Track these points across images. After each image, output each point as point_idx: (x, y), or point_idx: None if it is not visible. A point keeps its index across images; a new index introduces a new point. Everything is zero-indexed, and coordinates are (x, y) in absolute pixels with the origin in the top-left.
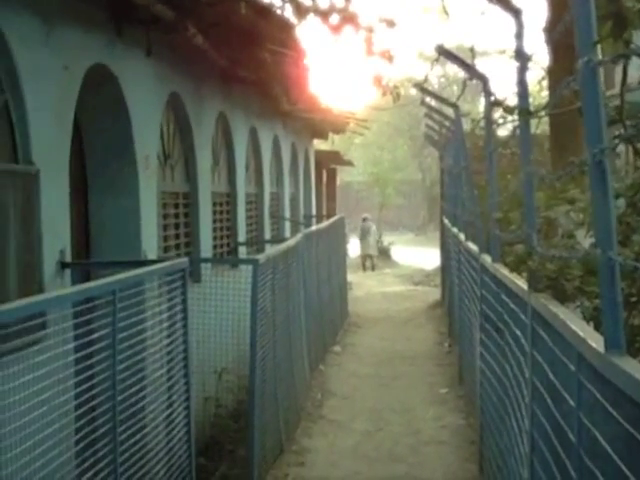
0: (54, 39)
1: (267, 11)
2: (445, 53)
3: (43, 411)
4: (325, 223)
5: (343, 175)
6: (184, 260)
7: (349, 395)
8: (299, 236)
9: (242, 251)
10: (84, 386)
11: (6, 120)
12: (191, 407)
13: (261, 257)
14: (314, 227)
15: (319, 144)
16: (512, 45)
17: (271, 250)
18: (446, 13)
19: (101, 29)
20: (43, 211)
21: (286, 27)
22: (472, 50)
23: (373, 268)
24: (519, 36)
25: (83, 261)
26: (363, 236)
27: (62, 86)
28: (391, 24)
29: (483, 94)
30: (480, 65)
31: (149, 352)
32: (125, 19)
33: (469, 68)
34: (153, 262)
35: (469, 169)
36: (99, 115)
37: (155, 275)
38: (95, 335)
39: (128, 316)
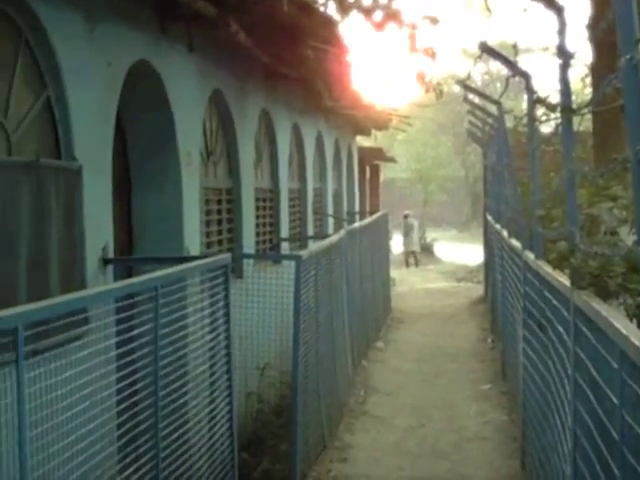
0: (97, 36)
1: (310, 8)
2: (488, 50)
3: (85, 406)
4: (368, 219)
5: (386, 172)
6: (226, 256)
7: (392, 391)
8: (342, 232)
9: (285, 247)
10: (126, 382)
11: (49, 116)
12: (233, 402)
13: (304, 253)
14: (357, 223)
15: (362, 140)
16: (555, 42)
17: (314, 246)
18: (488, 10)
19: (144, 26)
20: (86, 207)
21: (329, 24)
22: (515, 47)
23: (417, 264)
24: (562, 33)
25: (125, 257)
26: (406, 233)
27: (105, 82)
28: (434, 21)
29: (526, 91)
30: (523, 62)
31: (191, 348)
32: (168, 16)
33: (512, 65)
34: (195, 258)
35: (512, 166)
36: (142, 111)
37: (197, 271)
38: (137, 331)
39: (170, 312)
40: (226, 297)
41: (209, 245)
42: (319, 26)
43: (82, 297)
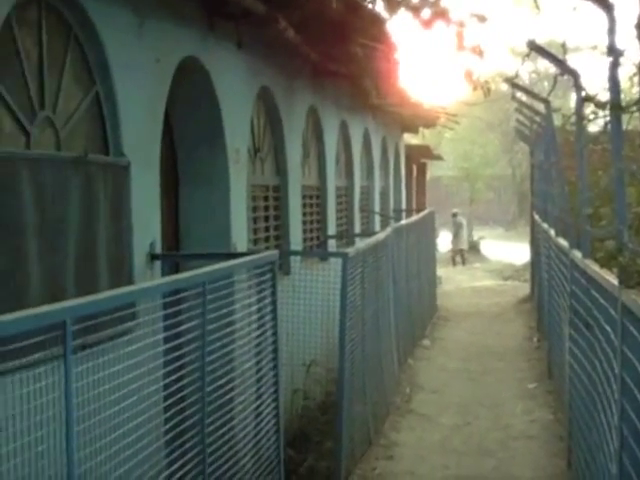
0: (146, 32)
1: (358, 5)
2: (537, 48)
3: (132, 401)
4: (415, 217)
5: (433, 169)
6: (274, 253)
7: (438, 389)
8: (389, 230)
9: (332, 244)
10: (173, 377)
11: (97, 112)
12: (280, 399)
13: (351, 250)
14: (404, 221)
15: (410, 138)
16: (603, 41)
17: (361, 244)
18: (537, 7)
19: (193, 22)
20: (133, 203)
21: (377, 21)
22: (563, 46)
23: (464, 263)
24: (611, 32)
25: (173, 253)
26: (456, 231)
27: (154, 79)
28: (482, 19)
29: (574, 89)
30: (571, 61)
31: (238, 344)
32: (217, 12)
33: (561, 63)
34: (243, 254)
35: (560, 165)
36: (190, 108)
37: (245, 267)
38: (184, 326)
39: (218, 308)
40: (273, 294)
41: (256, 242)
42: (367, 23)
43: (130, 292)
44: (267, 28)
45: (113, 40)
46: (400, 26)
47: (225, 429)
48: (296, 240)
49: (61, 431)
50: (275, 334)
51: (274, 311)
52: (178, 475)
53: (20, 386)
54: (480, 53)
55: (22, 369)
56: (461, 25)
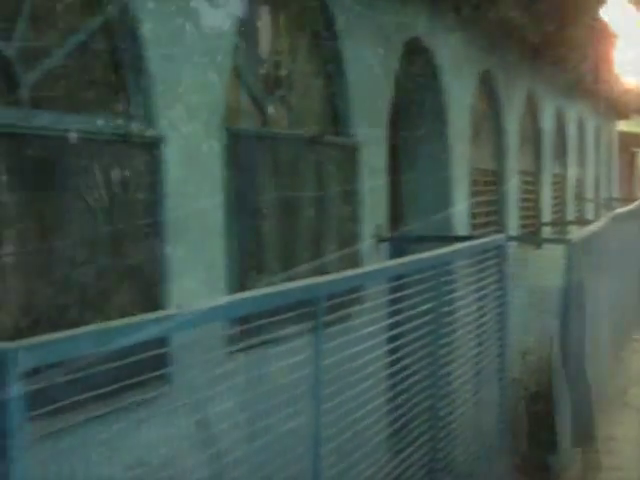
0: (375, 12)
1: None
2: None
3: (368, 383)
4: (631, 206)
5: None
6: (501, 237)
7: None
8: (607, 218)
9: (545, 231)
10: (406, 361)
11: (329, 92)
12: (504, 387)
13: (574, 237)
14: (621, 209)
15: (619, 125)
16: None
17: (581, 231)
18: None
19: (417, 3)
20: (362, 184)
21: (596, 5)
22: None
23: None
24: None
25: (399, 235)
26: None
27: (382, 59)
28: None
29: None
30: None
31: (467, 329)
32: None
33: None
34: (467, 238)
35: None
36: (414, 89)
37: (474, 251)
38: (418, 309)
39: (447, 292)
40: (501, 279)
41: (475, 226)
42: (587, 7)
43: (375, 271)
44: (489, 11)
45: (343, 19)
46: (614, 10)
47: (454, 416)
48: (513, 226)
49: (309, 406)
50: (502, 321)
51: (502, 297)
52: (408, 462)
53: (274, 360)
54: None
55: (269, 344)
56: None
